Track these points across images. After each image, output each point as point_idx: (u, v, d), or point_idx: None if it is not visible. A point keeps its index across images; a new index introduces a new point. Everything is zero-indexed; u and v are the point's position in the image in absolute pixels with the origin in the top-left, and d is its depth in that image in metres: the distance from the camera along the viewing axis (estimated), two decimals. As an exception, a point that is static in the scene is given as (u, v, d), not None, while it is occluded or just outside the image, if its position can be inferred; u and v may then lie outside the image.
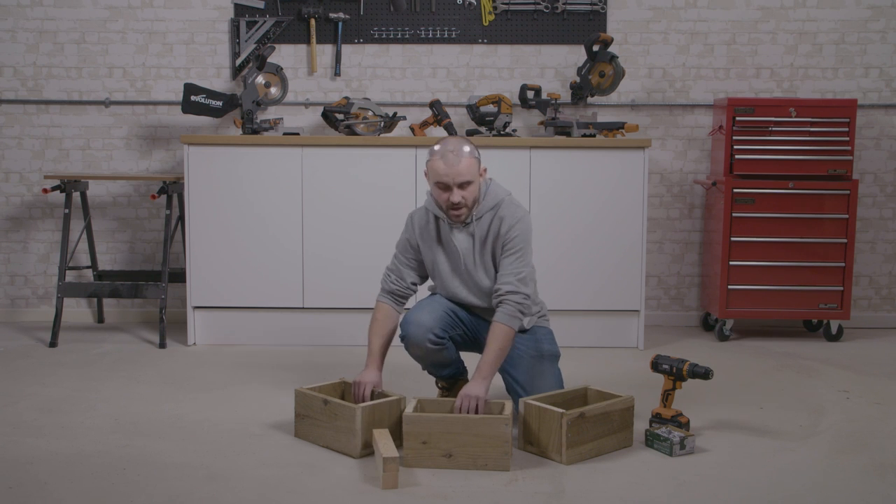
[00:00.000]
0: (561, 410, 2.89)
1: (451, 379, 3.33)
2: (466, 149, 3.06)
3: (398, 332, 3.25)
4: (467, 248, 3.17)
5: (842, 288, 4.68)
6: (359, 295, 4.48)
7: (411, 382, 3.82)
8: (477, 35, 4.97)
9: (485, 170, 3.16)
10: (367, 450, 2.92)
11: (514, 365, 3.26)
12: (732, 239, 4.66)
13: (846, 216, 4.65)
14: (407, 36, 4.97)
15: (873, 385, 3.89)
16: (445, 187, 3.05)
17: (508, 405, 2.94)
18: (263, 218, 4.49)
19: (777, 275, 4.67)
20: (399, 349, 4.45)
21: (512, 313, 3.05)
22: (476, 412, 2.90)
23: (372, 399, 3.06)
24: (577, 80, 4.77)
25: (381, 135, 4.64)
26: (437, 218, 3.21)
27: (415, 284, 3.32)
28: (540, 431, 2.95)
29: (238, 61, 4.96)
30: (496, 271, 3.16)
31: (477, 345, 3.34)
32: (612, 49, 4.80)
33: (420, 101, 4.99)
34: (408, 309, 3.34)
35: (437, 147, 3.08)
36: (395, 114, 4.72)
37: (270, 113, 4.97)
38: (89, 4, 4.97)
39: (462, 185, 3.04)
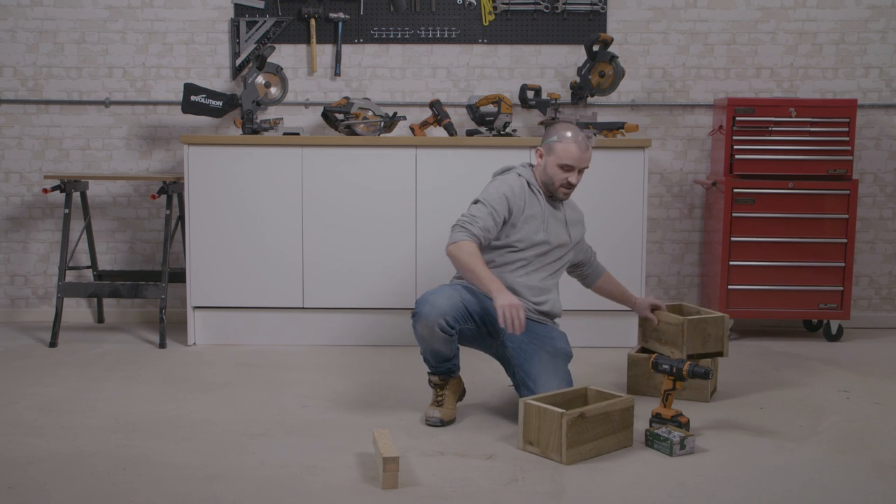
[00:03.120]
0: (561, 410, 2.89)
1: (446, 374, 3.33)
2: (592, 140, 3.40)
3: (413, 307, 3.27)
4: (559, 222, 3.44)
5: (842, 288, 4.68)
6: (359, 295, 4.48)
7: (410, 382, 3.82)
8: (477, 35, 4.97)
9: None
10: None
11: (528, 359, 3.28)
12: (732, 239, 4.66)
13: (846, 216, 4.65)
14: (407, 36, 4.97)
15: (873, 385, 3.89)
16: (569, 169, 3.34)
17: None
18: (263, 218, 4.49)
19: (777, 275, 4.67)
20: (403, 350, 4.43)
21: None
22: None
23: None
24: (577, 80, 4.77)
25: (382, 135, 4.64)
26: (529, 186, 3.40)
27: (490, 241, 3.34)
28: (540, 431, 2.95)
29: (238, 61, 4.95)
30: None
31: (486, 343, 3.36)
32: (612, 49, 4.80)
33: (420, 101, 4.99)
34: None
35: (568, 132, 3.34)
36: (395, 114, 4.72)
37: (270, 113, 4.97)
38: (89, 4, 4.97)
39: (581, 171, 3.38)
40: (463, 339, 3.30)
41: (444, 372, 3.32)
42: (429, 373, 3.35)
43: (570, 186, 3.38)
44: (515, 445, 3.04)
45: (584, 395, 3.21)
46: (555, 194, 3.40)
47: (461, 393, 3.44)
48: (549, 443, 2.92)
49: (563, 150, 3.32)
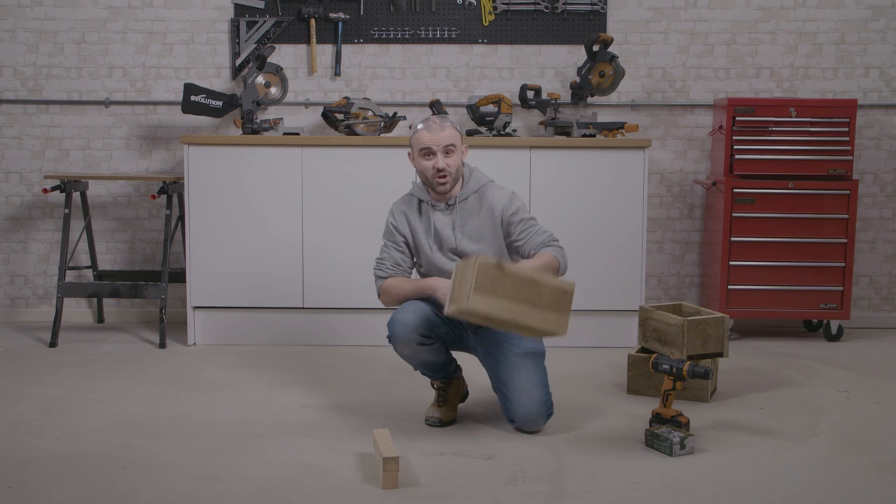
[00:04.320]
0: (480, 257, 2.81)
1: (447, 379, 3.32)
2: (447, 121, 3.23)
3: (386, 332, 3.24)
4: (448, 229, 3.26)
5: (842, 288, 4.68)
6: (359, 295, 4.48)
7: (410, 382, 3.82)
8: (477, 35, 4.97)
9: (466, 148, 3.31)
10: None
11: (497, 363, 3.24)
12: (732, 239, 4.66)
13: (846, 216, 4.65)
14: (407, 36, 4.97)
15: (873, 385, 3.89)
16: (430, 153, 3.18)
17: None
18: (263, 218, 4.50)
19: (777, 275, 4.67)
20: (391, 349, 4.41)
21: (560, 253, 3.15)
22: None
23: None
24: (577, 80, 4.77)
25: (381, 135, 4.64)
26: (420, 202, 3.32)
27: (410, 268, 3.35)
28: (461, 286, 2.85)
29: (238, 61, 4.95)
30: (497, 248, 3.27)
31: (463, 343, 3.34)
32: (612, 49, 4.80)
33: (420, 101, 4.99)
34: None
35: (417, 123, 3.25)
36: (395, 114, 4.72)
37: (270, 113, 4.97)
38: (89, 4, 4.97)
39: (447, 151, 3.18)
40: (447, 344, 3.28)
41: (443, 377, 3.32)
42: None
43: (443, 174, 3.18)
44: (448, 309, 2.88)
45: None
46: (435, 188, 3.23)
47: (464, 394, 3.44)
48: (462, 292, 2.81)
49: (416, 140, 3.21)
